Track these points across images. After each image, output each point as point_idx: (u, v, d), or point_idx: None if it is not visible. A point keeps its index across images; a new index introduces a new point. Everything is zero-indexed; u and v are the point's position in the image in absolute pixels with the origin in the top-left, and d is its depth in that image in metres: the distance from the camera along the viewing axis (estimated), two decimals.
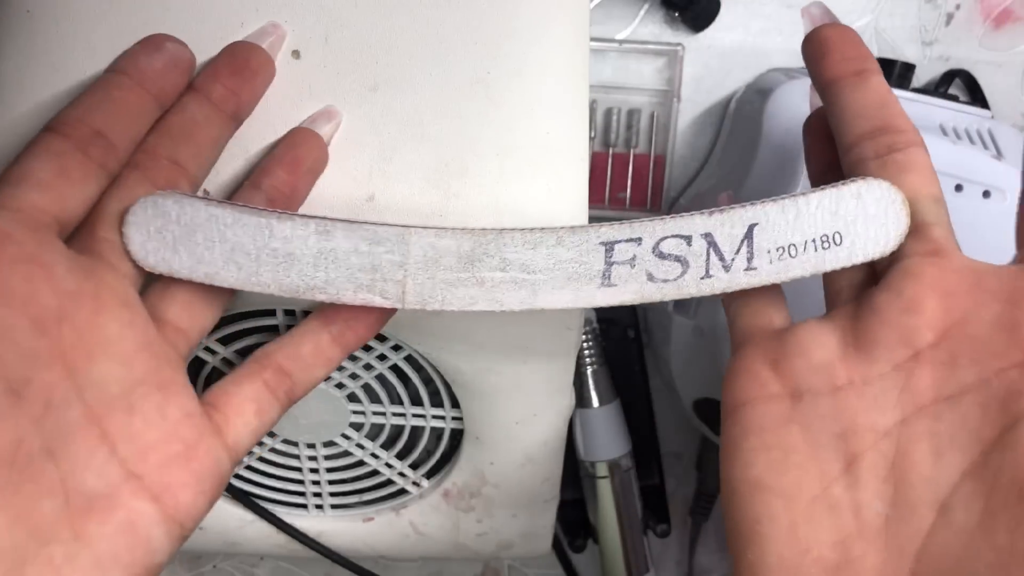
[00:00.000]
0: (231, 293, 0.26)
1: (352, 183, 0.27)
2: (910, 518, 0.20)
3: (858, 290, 0.24)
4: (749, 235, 0.23)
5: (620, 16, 0.42)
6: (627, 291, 0.23)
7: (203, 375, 0.32)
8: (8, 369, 0.20)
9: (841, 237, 0.23)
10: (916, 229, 0.23)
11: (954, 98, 0.39)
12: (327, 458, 0.35)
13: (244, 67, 0.26)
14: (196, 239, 0.23)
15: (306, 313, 0.30)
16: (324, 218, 0.24)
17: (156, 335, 0.24)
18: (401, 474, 0.36)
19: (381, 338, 0.31)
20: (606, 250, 0.23)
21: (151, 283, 0.25)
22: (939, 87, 0.42)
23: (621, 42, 0.42)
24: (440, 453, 0.35)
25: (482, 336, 0.29)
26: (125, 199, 0.24)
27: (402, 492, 0.36)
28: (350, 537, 0.37)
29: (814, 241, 0.23)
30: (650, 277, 0.23)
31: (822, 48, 0.25)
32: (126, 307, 0.23)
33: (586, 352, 0.41)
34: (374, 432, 0.34)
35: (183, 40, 0.26)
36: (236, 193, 0.26)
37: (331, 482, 0.36)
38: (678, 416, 0.47)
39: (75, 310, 0.22)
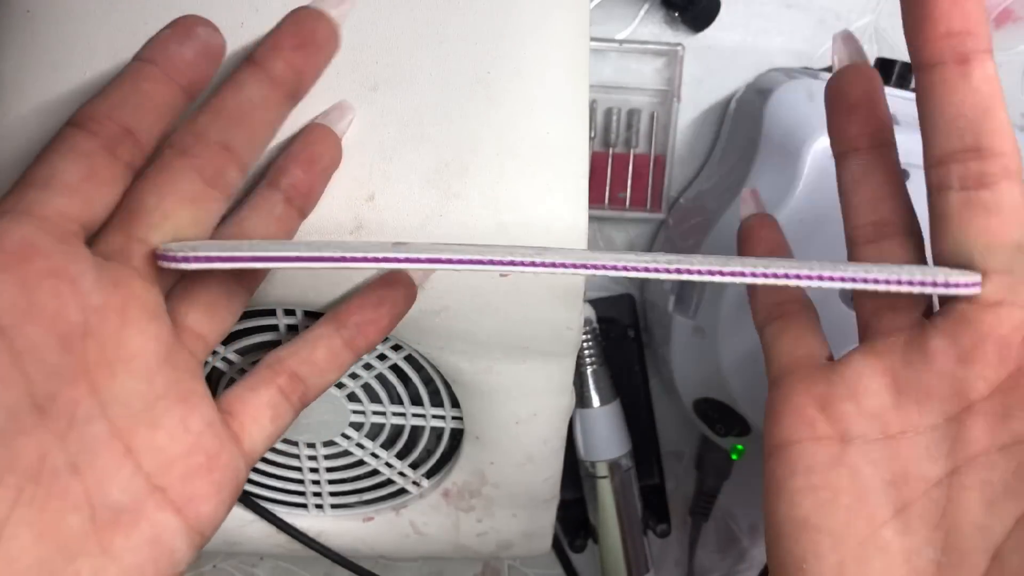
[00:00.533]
0: (250, 295, 0.26)
1: (352, 183, 0.27)
2: (962, 565, 0.20)
3: (901, 318, 0.23)
4: None
5: (620, 16, 0.42)
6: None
7: (203, 374, 0.32)
8: (34, 386, 0.20)
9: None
10: (983, 275, 0.21)
11: None
12: (327, 458, 0.35)
13: (309, 40, 0.25)
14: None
15: (307, 314, 0.30)
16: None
17: (177, 345, 0.23)
18: (401, 474, 0.36)
19: None
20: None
21: (173, 287, 0.24)
22: None
23: (621, 42, 0.42)
24: (440, 453, 0.35)
25: (482, 336, 0.29)
26: (168, 192, 0.23)
27: (402, 492, 0.36)
28: (350, 537, 0.37)
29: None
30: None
31: (924, 9, 0.21)
32: (151, 320, 0.23)
33: (586, 352, 0.41)
34: (374, 432, 0.34)
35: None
36: (254, 192, 0.26)
37: (331, 482, 0.36)
38: (678, 416, 0.47)
39: (100, 325, 0.21)
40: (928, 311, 0.23)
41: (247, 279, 0.26)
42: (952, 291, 0.20)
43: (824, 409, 0.23)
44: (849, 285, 0.20)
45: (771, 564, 0.23)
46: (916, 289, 0.20)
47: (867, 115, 0.24)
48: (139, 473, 0.22)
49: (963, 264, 0.21)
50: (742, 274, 0.21)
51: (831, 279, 0.20)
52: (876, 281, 0.20)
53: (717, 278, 0.21)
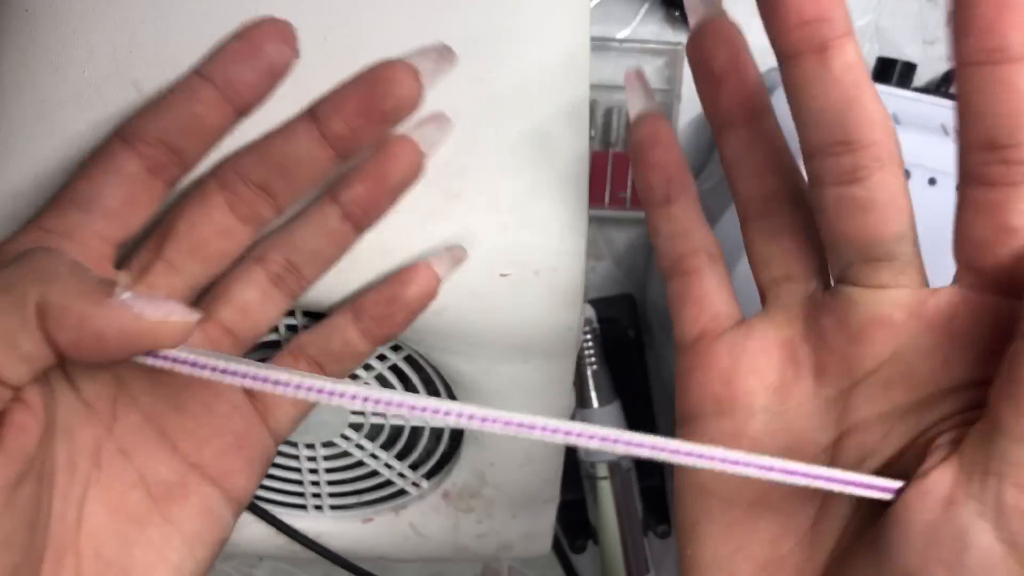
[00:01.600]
0: (293, 299, 0.27)
1: None
2: (830, 518, 0.22)
3: (799, 290, 0.24)
4: None
5: (620, 15, 0.42)
6: None
7: None
8: (86, 386, 0.23)
9: None
10: (869, 263, 0.21)
11: (956, 98, 0.39)
12: (326, 458, 0.35)
13: (378, 105, 0.24)
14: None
15: (305, 314, 0.30)
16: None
17: (202, 338, 0.25)
18: (401, 475, 0.35)
19: None
20: None
21: (210, 286, 0.26)
22: (941, 86, 0.42)
23: (621, 41, 0.42)
24: (440, 453, 0.35)
25: (482, 336, 0.29)
26: (200, 223, 0.24)
27: (402, 493, 0.36)
28: (349, 538, 0.37)
29: None
30: None
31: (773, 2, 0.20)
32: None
33: (586, 352, 0.41)
34: (374, 432, 0.34)
35: (180, 38, 0.25)
36: (313, 203, 0.26)
37: (330, 483, 0.36)
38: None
39: None
40: (826, 284, 0.23)
41: (283, 296, 0.26)
42: (873, 493, 0.21)
43: (728, 384, 0.24)
44: (779, 477, 0.20)
45: (676, 525, 0.25)
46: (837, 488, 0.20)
47: (737, 85, 0.23)
48: (176, 453, 0.25)
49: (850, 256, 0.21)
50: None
51: (736, 464, 0.21)
52: (809, 476, 0.20)
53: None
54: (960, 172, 0.20)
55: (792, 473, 0.20)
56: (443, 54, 0.25)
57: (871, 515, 0.21)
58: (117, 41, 0.26)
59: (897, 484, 0.20)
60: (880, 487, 0.20)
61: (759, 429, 0.23)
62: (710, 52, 0.23)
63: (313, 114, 0.24)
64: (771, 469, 0.20)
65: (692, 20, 0.23)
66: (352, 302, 0.27)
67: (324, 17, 0.27)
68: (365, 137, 0.24)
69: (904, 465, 0.21)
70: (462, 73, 0.27)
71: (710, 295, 0.25)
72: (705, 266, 0.25)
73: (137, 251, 0.25)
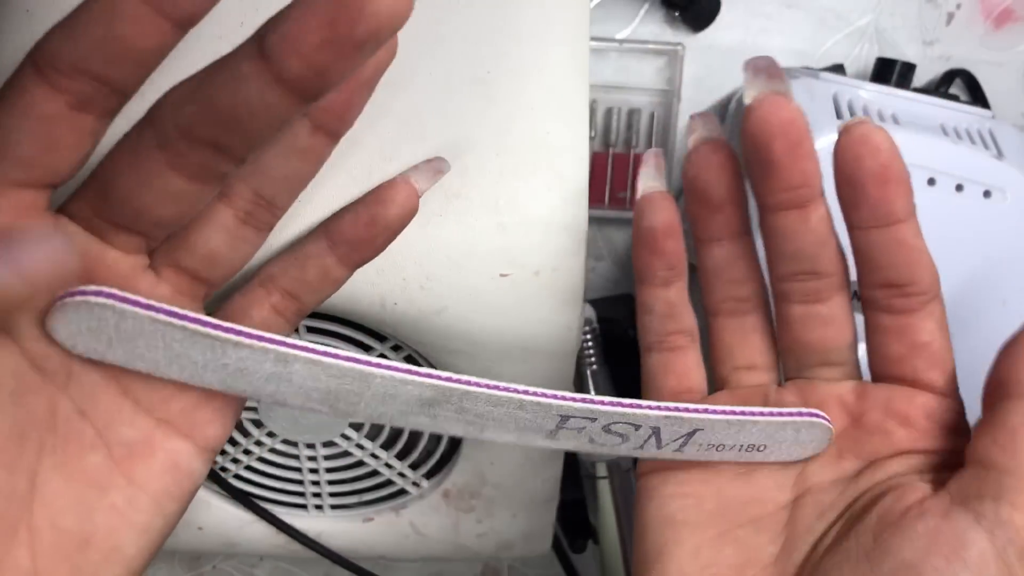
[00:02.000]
0: (266, 234, 0.25)
1: (351, 183, 0.27)
2: (792, 553, 0.24)
3: (759, 377, 0.27)
4: (690, 435, 0.24)
5: (620, 15, 0.42)
6: (567, 444, 0.24)
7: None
8: (33, 346, 0.21)
9: (766, 447, 0.25)
10: (825, 366, 0.26)
11: (955, 98, 0.39)
12: (327, 458, 0.35)
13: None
14: (138, 344, 0.21)
15: None
16: (285, 345, 0.21)
17: (169, 289, 0.24)
18: (401, 474, 0.36)
19: (381, 338, 0.31)
20: (560, 419, 0.24)
21: (170, 237, 0.23)
22: (940, 87, 0.42)
23: (621, 42, 0.42)
24: (440, 453, 0.35)
25: (482, 336, 0.29)
26: (204, 224, 0.23)
27: (402, 492, 0.36)
28: (350, 537, 0.37)
29: (742, 446, 0.25)
30: (591, 441, 0.24)
31: (767, 168, 0.23)
32: (133, 272, 0.23)
33: (586, 352, 0.41)
34: (374, 432, 0.34)
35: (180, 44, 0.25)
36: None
37: (331, 482, 0.36)
38: None
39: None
40: (777, 377, 0.27)
41: (256, 232, 0.25)
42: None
43: None
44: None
45: (634, 557, 0.27)
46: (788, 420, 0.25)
47: (731, 215, 0.25)
48: (139, 410, 0.23)
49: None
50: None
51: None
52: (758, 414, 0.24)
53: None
54: (865, 304, 0.25)
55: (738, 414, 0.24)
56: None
57: (845, 537, 0.23)
58: None
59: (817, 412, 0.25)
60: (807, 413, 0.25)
61: (724, 483, 0.26)
62: (706, 178, 0.25)
63: (262, 51, 0.17)
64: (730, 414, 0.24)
65: (690, 140, 0.25)
66: (326, 226, 0.25)
67: None
68: (332, 77, 0.18)
69: (860, 510, 0.23)
70: (462, 73, 0.27)
71: (690, 371, 0.28)
72: (688, 345, 0.28)
73: (76, 204, 0.21)
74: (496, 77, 0.27)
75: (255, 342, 0.21)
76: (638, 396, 0.25)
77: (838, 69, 0.40)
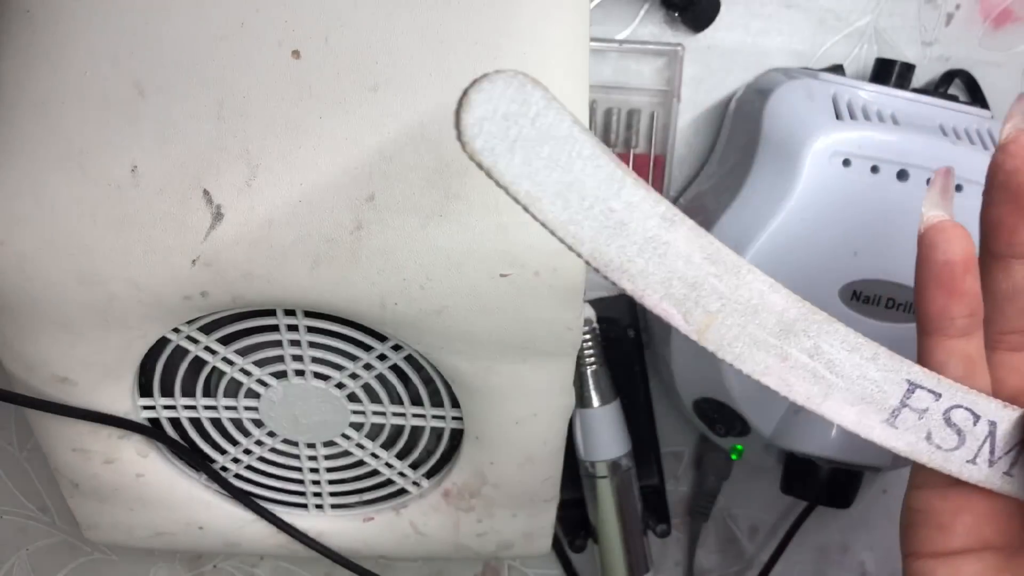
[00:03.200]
0: None
1: (352, 183, 0.27)
2: None
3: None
4: (1022, 444, 0.23)
5: (620, 16, 0.42)
6: (903, 440, 0.23)
7: (204, 374, 0.32)
8: None
9: None
10: None
11: (954, 98, 0.39)
12: (327, 458, 0.35)
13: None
14: (541, 152, 0.19)
15: (307, 314, 0.30)
16: (674, 208, 0.20)
17: None
18: (401, 474, 0.36)
19: (381, 338, 0.31)
20: (907, 389, 0.22)
21: None
22: (939, 87, 0.42)
23: (621, 42, 0.42)
24: (440, 453, 0.35)
25: (482, 336, 0.29)
26: None
27: (402, 492, 0.36)
28: (350, 537, 0.37)
29: None
30: (928, 437, 0.23)
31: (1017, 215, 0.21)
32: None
33: (586, 352, 0.41)
34: (374, 432, 0.34)
35: (181, 39, 0.25)
36: None
37: (331, 482, 0.36)
38: (678, 416, 0.47)
39: None
40: None
41: None
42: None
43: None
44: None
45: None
46: None
47: None
48: None
49: None
50: None
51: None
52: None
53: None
54: None
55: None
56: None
57: None
58: (117, 42, 0.26)
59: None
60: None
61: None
62: None
63: None
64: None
65: (1006, 126, 0.22)
66: None
67: (325, 17, 0.27)
68: None
69: None
70: (462, 73, 0.27)
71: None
72: None
73: None
74: None
75: (650, 190, 0.20)
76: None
77: (837, 69, 0.40)
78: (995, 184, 0.22)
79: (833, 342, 0.22)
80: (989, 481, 0.23)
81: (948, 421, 0.23)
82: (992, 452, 0.23)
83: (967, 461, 0.23)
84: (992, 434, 0.23)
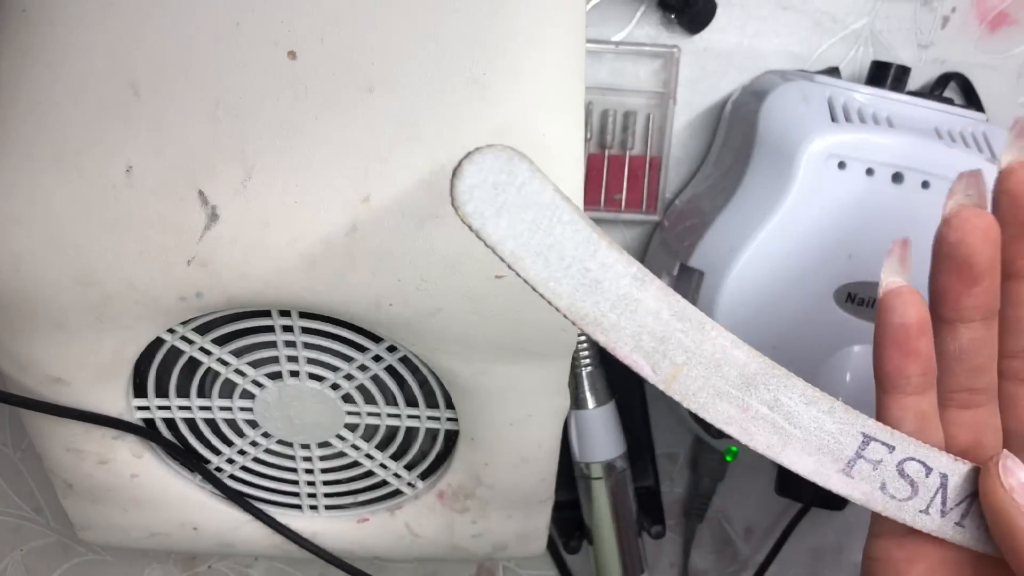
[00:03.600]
0: None
1: (348, 184, 0.27)
2: None
3: None
4: (972, 496, 0.24)
5: (616, 18, 0.42)
6: (858, 489, 0.24)
7: (198, 374, 0.32)
8: None
9: None
10: None
11: (949, 101, 0.39)
12: (322, 459, 0.35)
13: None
14: (525, 216, 0.21)
15: (302, 315, 0.30)
16: (644, 270, 0.22)
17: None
18: (396, 475, 0.36)
19: (376, 339, 0.31)
20: (862, 441, 0.23)
21: None
22: (934, 90, 0.42)
23: (617, 44, 0.42)
24: (435, 454, 0.35)
25: (477, 337, 0.29)
26: None
27: (397, 493, 0.36)
28: (345, 538, 0.37)
29: None
30: (883, 487, 0.24)
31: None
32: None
33: (581, 353, 0.41)
34: (369, 433, 0.34)
35: (177, 39, 0.25)
36: None
37: (326, 483, 0.36)
38: (673, 417, 0.47)
39: None
40: None
41: None
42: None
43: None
44: None
45: None
46: None
47: (989, 290, 0.24)
48: None
49: None
50: None
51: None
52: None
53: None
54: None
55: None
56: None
57: None
58: (113, 42, 0.26)
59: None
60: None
61: None
62: (971, 242, 0.23)
63: None
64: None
65: (950, 202, 0.24)
66: None
67: (321, 17, 0.27)
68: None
69: None
70: (458, 74, 0.27)
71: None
72: None
73: None
74: (492, 78, 0.27)
75: (622, 252, 0.22)
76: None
77: (833, 72, 0.40)
78: (940, 255, 0.24)
79: (792, 395, 0.23)
80: (942, 531, 0.24)
81: (902, 472, 0.24)
82: (944, 503, 0.24)
83: (920, 511, 0.24)
84: (944, 486, 0.24)
